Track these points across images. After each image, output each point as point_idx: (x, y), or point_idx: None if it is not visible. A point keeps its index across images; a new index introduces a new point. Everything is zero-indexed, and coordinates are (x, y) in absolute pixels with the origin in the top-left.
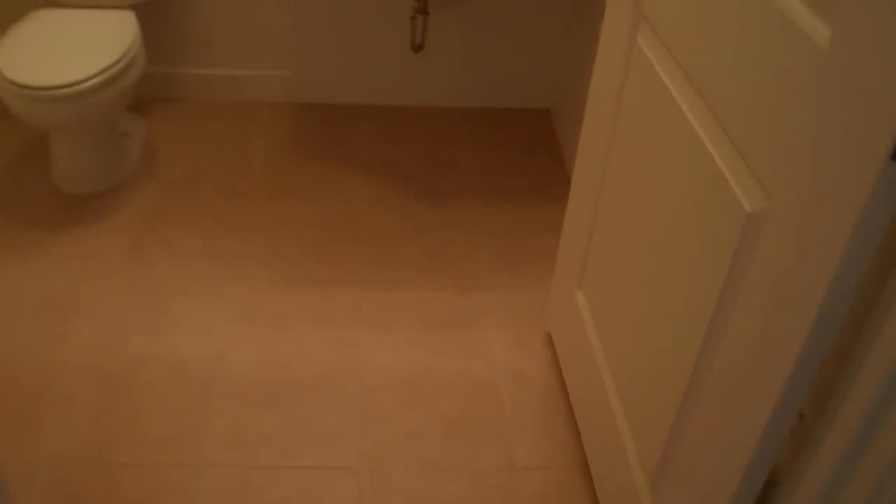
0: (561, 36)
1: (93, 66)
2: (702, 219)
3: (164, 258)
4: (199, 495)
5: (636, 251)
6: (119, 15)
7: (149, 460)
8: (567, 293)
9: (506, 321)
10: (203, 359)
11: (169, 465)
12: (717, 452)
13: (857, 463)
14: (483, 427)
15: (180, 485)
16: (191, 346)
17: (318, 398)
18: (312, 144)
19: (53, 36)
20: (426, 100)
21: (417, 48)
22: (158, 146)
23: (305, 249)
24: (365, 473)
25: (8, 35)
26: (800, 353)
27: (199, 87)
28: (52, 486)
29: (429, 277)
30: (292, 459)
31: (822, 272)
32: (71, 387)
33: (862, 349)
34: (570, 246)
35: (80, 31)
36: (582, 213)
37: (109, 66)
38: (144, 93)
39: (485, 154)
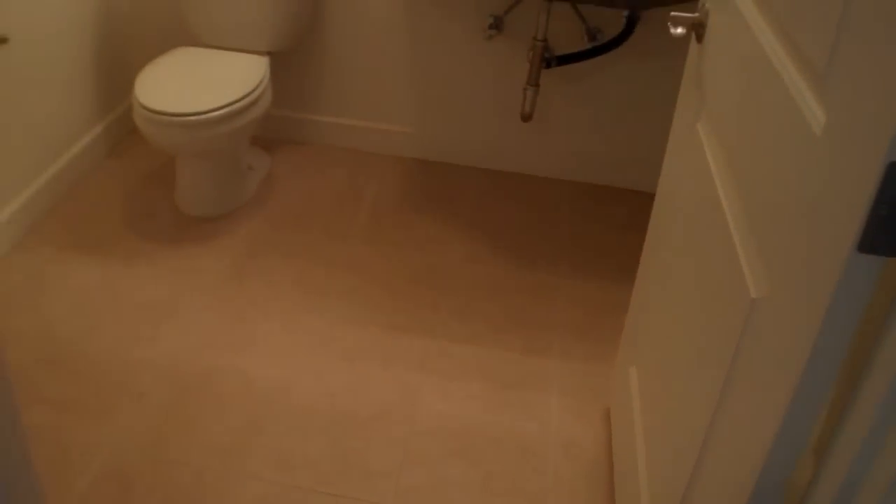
0: (665, 121)
1: (219, 99)
2: (714, 302)
3: (257, 283)
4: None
5: (669, 327)
6: (254, 58)
7: (198, 462)
8: (624, 369)
9: (569, 390)
10: (270, 379)
11: (215, 471)
12: None
13: None
14: (522, 489)
15: (221, 491)
16: (261, 366)
17: (367, 433)
18: (418, 198)
19: (190, 70)
20: (531, 168)
21: (527, 118)
22: (277, 182)
23: (390, 294)
24: None
25: (150, 66)
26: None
27: (325, 134)
28: (107, 470)
29: (502, 336)
30: (329, 486)
31: (800, 361)
32: (147, 384)
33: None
34: (631, 322)
35: (215, 68)
36: (640, 291)
37: (233, 102)
38: (274, 133)
39: (582, 228)
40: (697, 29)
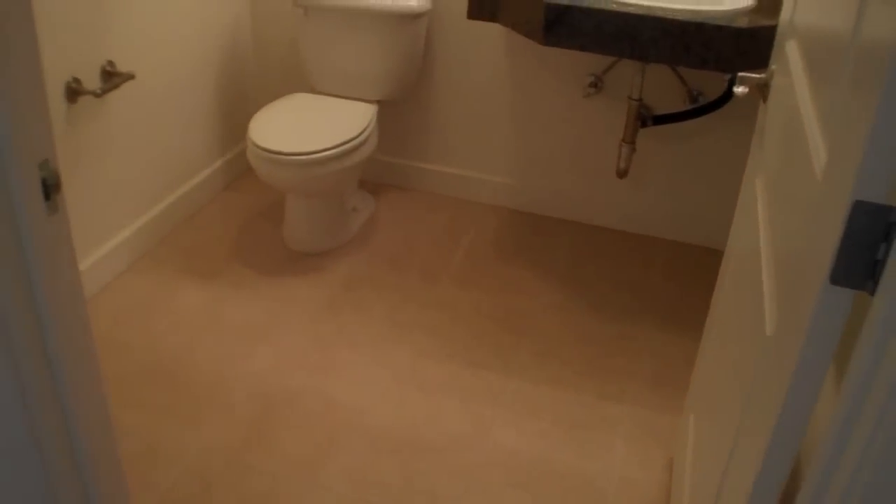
0: None
1: (326, 141)
2: (744, 344)
3: (349, 315)
4: None
5: (717, 372)
6: (363, 105)
7: (274, 470)
8: (686, 417)
9: (636, 436)
10: (350, 401)
11: (289, 479)
12: None
13: None
14: None
15: (293, 498)
16: (344, 390)
17: (435, 459)
18: (511, 247)
19: (302, 114)
20: (624, 224)
21: (622, 174)
22: (379, 224)
23: (474, 334)
24: None
25: (265, 109)
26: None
27: (428, 181)
28: (189, 471)
29: (578, 380)
30: None
31: (779, 396)
32: (236, 397)
33: None
34: (695, 372)
35: (326, 112)
36: (704, 341)
37: (340, 145)
38: (380, 177)
39: (671, 285)
40: (763, 90)
